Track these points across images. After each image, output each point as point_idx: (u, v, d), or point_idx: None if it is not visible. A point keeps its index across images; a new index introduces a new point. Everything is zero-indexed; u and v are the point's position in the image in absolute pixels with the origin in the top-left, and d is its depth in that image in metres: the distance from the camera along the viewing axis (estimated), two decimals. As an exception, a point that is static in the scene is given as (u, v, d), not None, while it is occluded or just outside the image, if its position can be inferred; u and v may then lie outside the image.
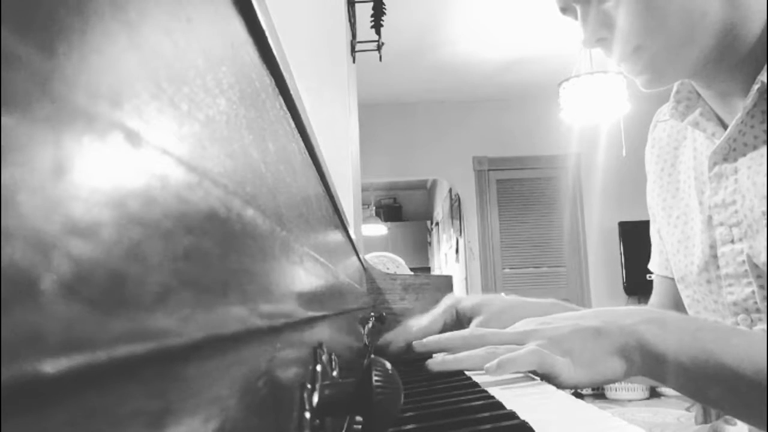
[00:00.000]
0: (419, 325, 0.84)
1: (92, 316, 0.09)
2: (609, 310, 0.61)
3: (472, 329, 0.70)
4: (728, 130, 0.65)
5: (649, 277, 0.91)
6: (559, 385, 0.55)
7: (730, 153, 0.67)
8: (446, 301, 0.88)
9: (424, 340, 0.70)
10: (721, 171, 0.68)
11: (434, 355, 0.76)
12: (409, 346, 0.78)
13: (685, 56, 0.63)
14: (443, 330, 0.87)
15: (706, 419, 2.79)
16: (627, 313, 0.58)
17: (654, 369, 0.55)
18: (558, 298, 0.86)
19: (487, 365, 0.56)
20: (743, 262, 0.65)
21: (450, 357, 0.62)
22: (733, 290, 0.67)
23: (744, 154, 0.65)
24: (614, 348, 0.56)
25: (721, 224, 0.68)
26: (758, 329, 0.65)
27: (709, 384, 0.53)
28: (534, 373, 0.57)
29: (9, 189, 0.07)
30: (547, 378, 0.56)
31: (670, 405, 3.73)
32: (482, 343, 0.62)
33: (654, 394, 4.09)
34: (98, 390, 0.09)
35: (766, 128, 0.63)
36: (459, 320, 0.85)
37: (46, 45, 0.09)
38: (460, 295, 0.91)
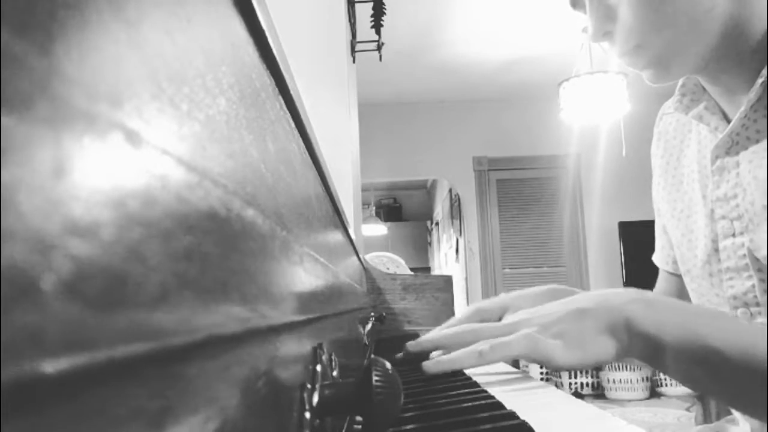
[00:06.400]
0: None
1: (92, 316, 0.09)
2: (599, 292, 0.61)
3: (464, 325, 0.70)
4: (731, 123, 0.66)
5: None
6: (553, 368, 0.56)
7: (732, 147, 0.67)
8: (470, 309, 0.80)
9: (418, 339, 0.70)
10: (723, 165, 0.68)
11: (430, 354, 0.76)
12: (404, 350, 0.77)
13: (691, 51, 0.63)
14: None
15: (706, 419, 2.79)
16: (615, 294, 0.59)
17: (642, 349, 0.56)
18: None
19: (480, 348, 0.57)
20: (744, 255, 0.66)
21: (444, 357, 0.63)
22: (733, 284, 0.68)
23: (746, 148, 0.65)
24: (603, 327, 0.56)
25: (723, 218, 0.68)
26: (757, 323, 0.65)
27: (694, 365, 0.53)
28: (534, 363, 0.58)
29: (9, 189, 0.07)
30: (542, 362, 0.57)
31: (670, 405, 3.73)
32: (475, 338, 0.62)
33: (654, 394, 4.09)
34: (98, 390, 0.09)
35: (766, 122, 0.63)
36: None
37: (45, 45, 0.09)
38: (481, 303, 0.85)
